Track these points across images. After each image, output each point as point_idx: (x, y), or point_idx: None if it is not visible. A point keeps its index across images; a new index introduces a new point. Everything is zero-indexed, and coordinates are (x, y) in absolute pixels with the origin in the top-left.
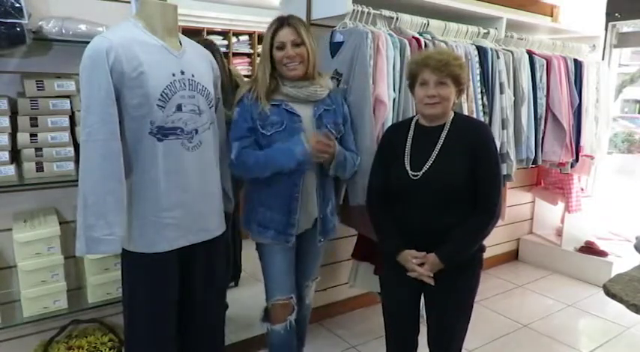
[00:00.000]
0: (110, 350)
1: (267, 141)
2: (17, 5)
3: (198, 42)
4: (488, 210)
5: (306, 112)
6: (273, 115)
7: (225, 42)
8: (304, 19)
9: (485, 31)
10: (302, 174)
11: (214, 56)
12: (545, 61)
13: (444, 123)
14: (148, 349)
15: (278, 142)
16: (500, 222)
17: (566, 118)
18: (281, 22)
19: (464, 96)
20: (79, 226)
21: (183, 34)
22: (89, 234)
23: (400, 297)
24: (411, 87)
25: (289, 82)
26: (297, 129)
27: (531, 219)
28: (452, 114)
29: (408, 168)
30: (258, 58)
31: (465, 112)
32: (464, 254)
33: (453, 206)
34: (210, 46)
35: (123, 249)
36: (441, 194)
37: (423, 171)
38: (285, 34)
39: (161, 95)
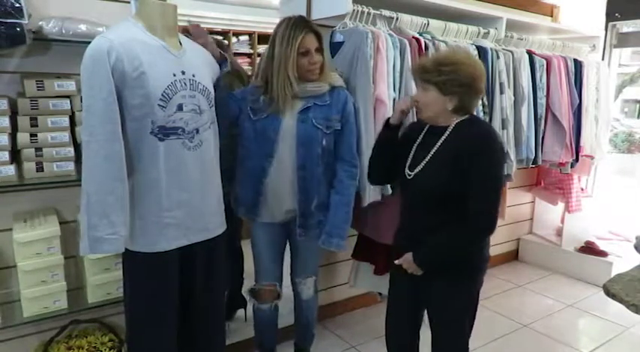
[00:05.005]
0: (110, 350)
1: (251, 124)
2: (17, 5)
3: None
4: (472, 220)
5: (293, 106)
6: (264, 105)
7: (225, 42)
8: None
9: (486, 31)
10: (270, 158)
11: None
12: (545, 61)
13: (447, 126)
14: (149, 348)
15: (259, 127)
16: (500, 222)
17: (566, 118)
18: (307, 28)
19: None
20: (83, 226)
21: (183, 34)
22: (92, 234)
23: (400, 293)
24: None
25: (301, 82)
26: (276, 120)
27: (531, 219)
28: (458, 119)
29: (407, 166)
30: (258, 58)
31: None
32: (440, 260)
33: (437, 210)
34: (219, 42)
35: (124, 249)
36: (425, 197)
37: (415, 171)
38: (311, 41)
39: (162, 95)
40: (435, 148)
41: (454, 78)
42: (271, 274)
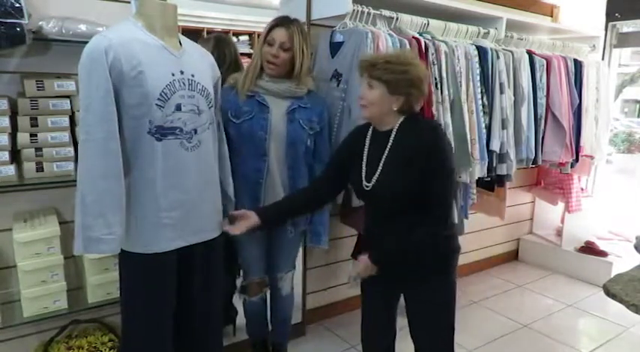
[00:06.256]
0: (110, 350)
1: (236, 129)
2: (17, 5)
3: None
4: (431, 219)
5: (278, 106)
6: (245, 106)
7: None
8: (304, 19)
9: (486, 31)
10: (265, 158)
11: (225, 48)
12: (545, 61)
13: (392, 129)
14: (144, 349)
15: (245, 129)
16: (500, 222)
17: (566, 118)
18: (280, 22)
19: (464, 97)
20: (77, 225)
21: (183, 34)
22: (87, 234)
23: (375, 295)
24: None
25: (267, 77)
26: (264, 119)
27: (531, 219)
28: (400, 119)
29: (363, 177)
30: None
31: (465, 113)
32: (396, 253)
33: (404, 216)
34: (223, 40)
35: (121, 249)
36: (390, 205)
37: (373, 182)
38: (278, 34)
39: (160, 95)
40: (386, 153)
41: (404, 78)
42: (260, 269)
